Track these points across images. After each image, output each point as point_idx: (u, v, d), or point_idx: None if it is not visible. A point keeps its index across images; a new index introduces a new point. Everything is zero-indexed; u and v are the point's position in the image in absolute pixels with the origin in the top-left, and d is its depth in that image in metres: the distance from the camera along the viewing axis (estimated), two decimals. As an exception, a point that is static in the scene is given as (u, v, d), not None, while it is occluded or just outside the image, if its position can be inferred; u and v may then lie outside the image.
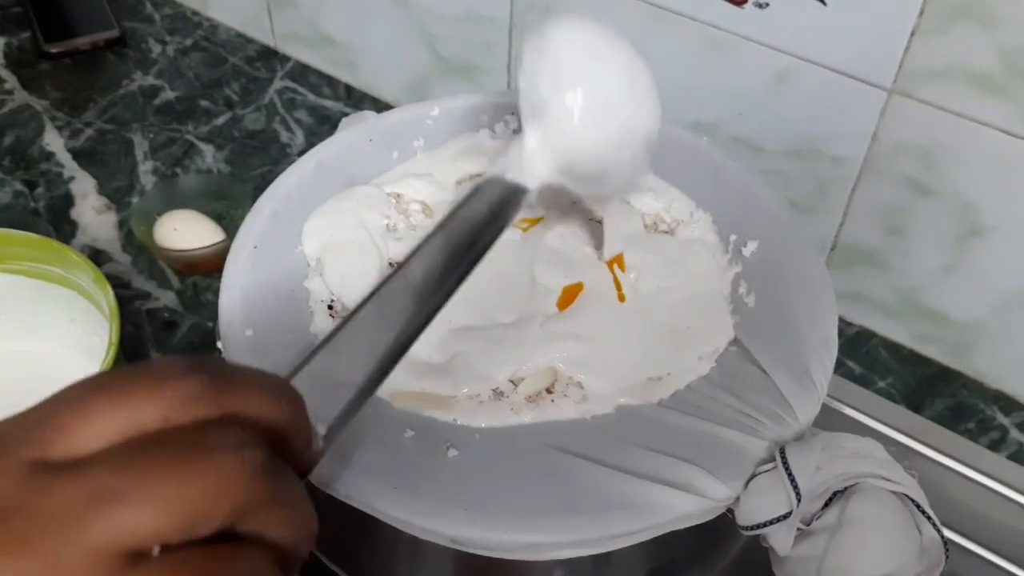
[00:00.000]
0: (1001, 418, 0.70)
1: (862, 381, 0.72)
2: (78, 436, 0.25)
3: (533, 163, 0.42)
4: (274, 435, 0.27)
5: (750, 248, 0.49)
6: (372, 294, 0.35)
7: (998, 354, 0.70)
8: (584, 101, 0.42)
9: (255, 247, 0.49)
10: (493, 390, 0.44)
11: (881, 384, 0.72)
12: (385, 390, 0.44)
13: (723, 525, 0.42)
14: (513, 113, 0.56)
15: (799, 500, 0.38)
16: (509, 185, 0.42)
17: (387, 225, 0.51)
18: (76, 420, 0.25)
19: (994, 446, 0.68)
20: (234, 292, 0.46)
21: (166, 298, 0.77)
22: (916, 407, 0.70)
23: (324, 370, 0.32)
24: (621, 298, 0.47)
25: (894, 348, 0.74)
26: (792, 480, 0.39)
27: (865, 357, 0.74)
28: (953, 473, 0.62)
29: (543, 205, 0.52)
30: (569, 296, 0.47)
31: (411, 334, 0.35)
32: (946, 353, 0.73)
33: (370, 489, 0.40)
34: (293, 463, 0.27)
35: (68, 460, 0.24)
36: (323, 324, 0.46)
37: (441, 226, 0.39)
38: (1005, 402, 0.71)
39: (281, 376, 0.29)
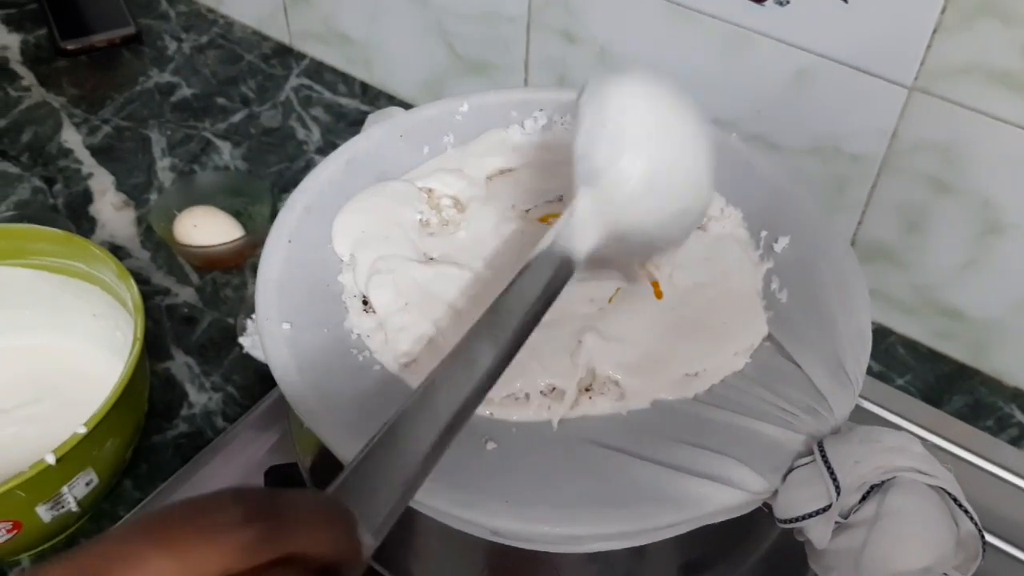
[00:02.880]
0: (1019, 416, 0.70)
1: (881, 379, 0.72)
2: None
3: (583, 229, 0.40)
4: (327, 565, 0.27)
5: (781, 244, 0.50)
6: (421, 388, 0.34)
7: (1016, 352, 0.71)
8: (644, 178, 0.40)
9: (289, 241, 0.49)
10: (530, 392, 0.44)
11: (900, 381, 0.72)
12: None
13: (755, 519, 0.42)
14: (542, 109, 0.56)
15: (839, 493, 0.39)
16: (558, 258, 0.39)
17: (420, 220, 0.51)
18: None
19: (1013, 443, 0.68)
20: (270, 286, 0.47)
21: (185, 294, 0.78)
22: (934, 404, 0.70)
23: (370, 474, 0.31)
24: (659, 295, 0.47)
25: (912, 346, 0.75)
26: (832, 473, 0.39)
27: (884, 355, 0.74)
28: (974, 468, 0.62)
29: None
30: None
31: (456, 427, 0.34)
32: (964, 351, 0.73)
33: (411, 481, 0.40)
34: None
35: None
36: (357, 319, 0.47)
37: (493, 315, 0.37)
38: (1023, 400, 0.71)
39: (330, 497, 0.29)
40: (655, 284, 0.48)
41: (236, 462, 0.60)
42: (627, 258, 0.44)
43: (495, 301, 0.37)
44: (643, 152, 0.40)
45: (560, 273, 0.39)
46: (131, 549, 0.24)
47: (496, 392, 0.43)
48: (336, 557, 0.27)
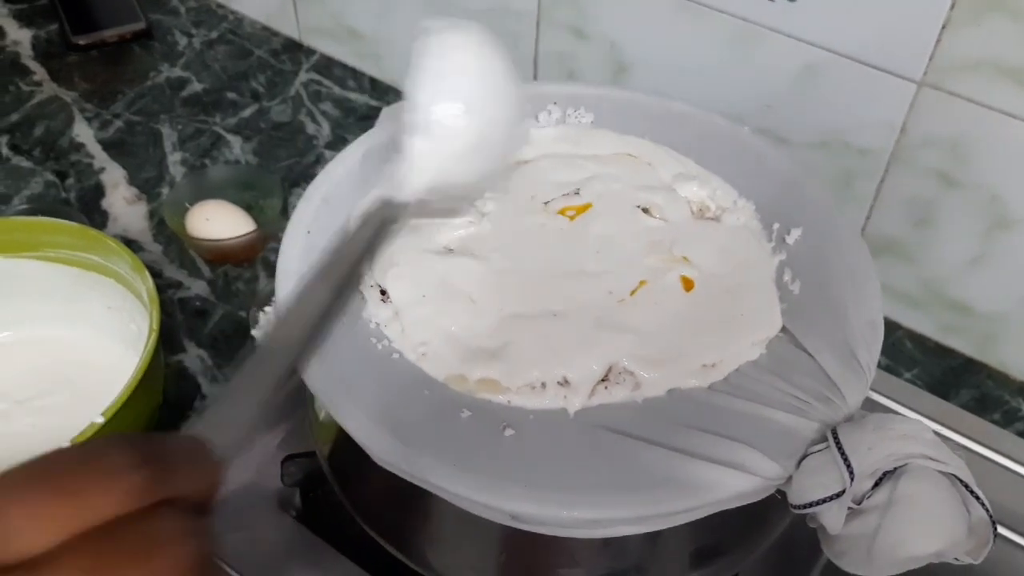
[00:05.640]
0: (1026, 408, 0.71)
1: (888, 372, 0.72)
2: (32, 537, 0.25)
3: (413, 178, 0.43)
4: (200, 502, 0.29)
5: (793, 236, 0.50)
6: (268, 334, 0.37)
7: (1023, 346, 0.71)
8: (476, 134, 0.43)
9: (308, 232, 0.49)
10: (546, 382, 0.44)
11: (907, 375, 0.73)
12: (440, 373, 0.44)
13: (768, 506, 0.43)
14: (556, 103, 0.57)
15: (852, 479, 0.39)
16: (389, 206, 0.43)
17: (437, 211, 0.51)
18: (28, 521, 0.25)
19: (1021, 436, 0.68)
20: (290, 277, 0.47)
21: (197, 287, 0.78)
22: (941, 398, 0.71)
23: (223, 416, 0.33)
24: (688, 286, 0.48)
25: (919, 340, 0.75)
26: (845, 459, 0.39)
27: (891, 349, 0.74)
28: (982, 459, 0.63)
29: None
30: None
31: (295, 366, 0.36)
32: (971, 345, 0.74)
33: (431, 467, 0.40)
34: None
35: (24, 562, 0.25)
36: (375, 309, 0.47)
37: (332, 258, 0.40)
38: (1030, 393, 0.72)
39: (204, 441, 0.31)
40: (684, 278, 0.48)
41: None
42: (447, 206, 0.47)
43: (336, 246, 0.40)
44: (478, 110, 0.43)
45: (389, 221, 0.42)
46: (25, 491, 0.25)
47: (513, 381, 0.44)
48: (204, 496, 0.29)
